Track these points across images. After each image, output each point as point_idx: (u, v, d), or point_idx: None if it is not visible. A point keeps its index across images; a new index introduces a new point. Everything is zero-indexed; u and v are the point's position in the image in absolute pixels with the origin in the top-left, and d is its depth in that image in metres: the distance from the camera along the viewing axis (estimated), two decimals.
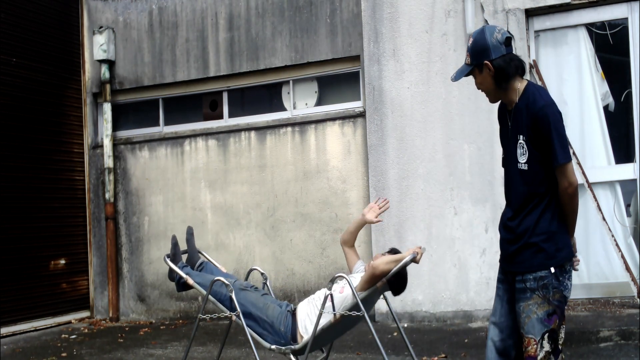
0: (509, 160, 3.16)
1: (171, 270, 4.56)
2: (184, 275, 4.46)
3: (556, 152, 3.00)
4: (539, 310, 3.01)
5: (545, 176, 3.04)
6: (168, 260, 4.58)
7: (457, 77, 3.18)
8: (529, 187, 3.05)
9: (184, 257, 4.83)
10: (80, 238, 8.73)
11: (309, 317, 4.16)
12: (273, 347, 4.17)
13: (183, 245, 4.84)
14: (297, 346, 4.13)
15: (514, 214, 3.10)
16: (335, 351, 5.70)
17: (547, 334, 3.02)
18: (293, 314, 4.27)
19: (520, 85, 3.12)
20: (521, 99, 3.10)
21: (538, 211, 3.05)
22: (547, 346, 3.02)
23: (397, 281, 4.05)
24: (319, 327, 4.02)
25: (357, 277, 4.22)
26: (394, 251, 4.20)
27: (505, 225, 3.14)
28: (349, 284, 4.01)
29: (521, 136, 3.07)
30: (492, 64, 3.06)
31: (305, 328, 4.15)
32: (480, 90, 3.19)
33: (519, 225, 3.07)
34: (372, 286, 3.99)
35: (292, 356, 4.15)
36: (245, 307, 4.22)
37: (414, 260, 3.91)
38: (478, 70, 3.11)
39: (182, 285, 4.53)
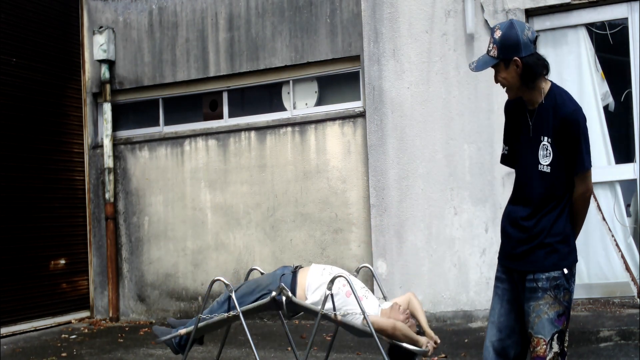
0: (526, 160, 3.10)
1: (170, 345, 4.57)
2: (175, 334, 4.46)
3: (583, 158, 3.03)
4: (550, 311, 3.01)
5: (565, 180, 3.05)
6: (161, 339, 4.56)
7: (479, 68, 3.09)
8: (549, 190, 3.04)
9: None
10: (80, 238, 8.73)
11: (318, 287, 4.19)
12: (273, 293, 4.18)
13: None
14: (295, 299, 4.16)
15: (530, 214, 3.06)
16: (335, 351, 5.70)
17: (556, 335, 3.02)
18: (294, 273, 4.30)
19: (545, 85, 3.08)
20: (547, 100, 3.06)
21: (555, 213, 3.05)
22: (556, 347, 3.02)
23: (401, 355, 4.12)
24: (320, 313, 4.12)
25: (374, 303, 4.26)
26: (419, 330, 4.21)
27: (518, 224, 3.09)
28: (351, 287, 4.03)
29: (546, 137, 3.04)
30: (521, 61, 3.01)
31: (313, 292, 4.19)
32: (498, 84, 3.11)
33: (536, 226, 3.04)
34: (383, 333, 4.04)
35: (284, 299, 4.14)
36: (241, 304, 4.26)
37: (424, 354, 4.01)
38: (504, 64, 3.04)
39: (183, 347, 4.51)
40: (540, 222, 3.04)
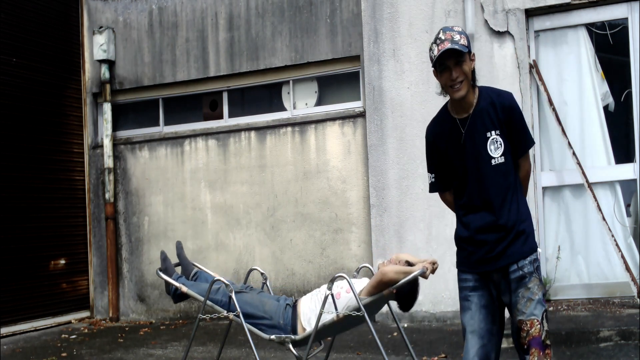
0: (474, 164, 3.11)
1: (167, 283, 4.57)
2: (177, 285, 4.47)
3: (528, 135, 3.18)
4: (539, 291, 3.08)
5: (513, 165, 3.15)
6: (161, 274, 4.59)
7: (464, 49, 3.00)
8: (507, 179, 3.10)
9: (179, 269, 4.83)
10: (80, 238, 8.73)
11: (313, 312, 4.16)
12: (272, 337, 4.17)
13: (174, 255, 4.87)
14: (297, 337, 4.14)
15: (497, 213, 3.08)
16: (335, 351, 5.70)
17: (545, 314, 3.09)
18: (293, 306, 4.28)
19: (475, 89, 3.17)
20: (482, 99, 3.13)
21: (515, 200, 3.12)
22: (546, 325, 3.09)
23: (406, 295, 4.02)
24: (321, 323, 4.03)
25: (364, 281, 4.23)
26: (408, 263, 4.10)
27: (492, 227, 3.10)
28: (351, 287, 4.01)
29: (493, 132, 3.09)
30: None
31: (309, 321, 4.16)
32: (457, 81, 3.06)
33: (508, 220, 3.08)
34: (379, 292, 3.96)
35: (291, 346, 4.15)
36: (242, 308, 4.24)
37: (423, 275, 3.86)
38: (468, 56, 3.08)
39: (179, 297, 4.54)
40: (511, 215, 3.09)
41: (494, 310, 3.17)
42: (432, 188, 3.38)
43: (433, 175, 3.31)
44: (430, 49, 3.09)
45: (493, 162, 3.09)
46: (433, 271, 3.93)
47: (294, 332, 4.20)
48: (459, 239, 3.25)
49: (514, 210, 3.09)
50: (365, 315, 3.94)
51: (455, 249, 7.39)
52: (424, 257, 6.92)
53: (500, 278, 3.12)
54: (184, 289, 4.45)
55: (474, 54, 3.12)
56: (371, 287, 4.00)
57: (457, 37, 3.03)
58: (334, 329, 4.25)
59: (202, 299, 4.36)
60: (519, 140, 3.13)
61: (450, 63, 3.04)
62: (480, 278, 3.16)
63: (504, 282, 3.11)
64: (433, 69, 3.14)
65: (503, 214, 3.08)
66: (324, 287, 4.24)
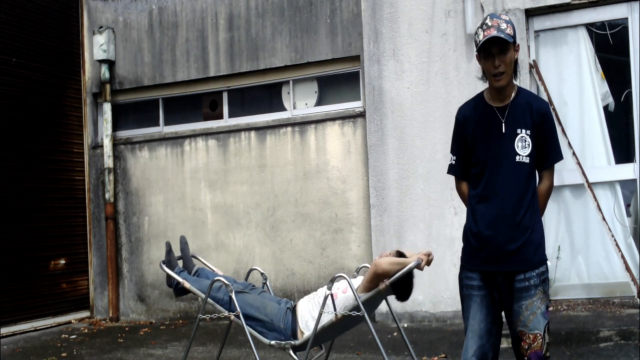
0: (499, 155, 3.06)
1: (169, 275, 4.58)
2: (180, 280, 4.48)
3: (558, 148, 3.13)
4: (542, 305, 3.05)
5: (535, 173, 3.12)
6: (164, 267, 4.60)
7: (510, 38, 2.98)
8: (527, 181, 3.06)
9: (181, 262, 4.84)
10: (80, 238, 8.73)
11: (311, 314, 4.16)
12: (273, 342, 4.18)
13: (177, 251, 4.87)
14: (297, 342, 4.14)
15: (512, 210, 3.04)
16: (335, 351, 5.70)
17: (547, 327, 3.07)
18: (293, 310, 4.28)
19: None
20: (520, 96, 3.12)
21: (533, 206, 3.08)
22: (547, 338, 3.08)
23: (402, 286, 3.98)
24: (320, 325, 4.02)
25: (359, 279, 4.22)
26: (399, 254, 4.05)
27: (503, 220, 3.05)
28: (350, 286, 4.01)
29: (524, 130, 3.05)
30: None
31: (307, 324, 4.16)
32: (499, 70, 3.03)
33: (522, 222, 3.04)
34: (375, 286, 3.93)
35: (291, 352, 4.16)
36: (243, 309, 4.23)
37: (418, 267, 3.80)
38: (513, 47, 3.04)
39: (180, 290, 4.56)
40: (525, 218, 3.05)
41: (495, 311, 3.15)
42: (451, 169, 3.33)
43: (454, 157, 3.27)
44: (476, 34, 3.06)
45: (517, 158, 3.05)
46: (428, 263, 3.88)
47: (294, 336, 4.19)
48: (467, 232, 3.21)
49: (529, 215, 3.05)
50: (365, 315, 3.93)
51: (455, 249, 7.41)
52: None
53: (503, 281, 3.08)
54: (187, 284, 4.46)
55: (518, 45, 3.10)
56: (366, 282, 3.98)
57: (503, 25, 3.00)
58: (334, 331, 4.23)
59: (203, 295, 4.35)
60: (548, 150, 3.10)
61: (495, 51, 3.01)
62: (484, 278, 3.13)
63: (506, 286, 3.08)
64: (477, 53, 3.09)
65: (518, 213, 3.03)
66: (321, 290, 4.24)
